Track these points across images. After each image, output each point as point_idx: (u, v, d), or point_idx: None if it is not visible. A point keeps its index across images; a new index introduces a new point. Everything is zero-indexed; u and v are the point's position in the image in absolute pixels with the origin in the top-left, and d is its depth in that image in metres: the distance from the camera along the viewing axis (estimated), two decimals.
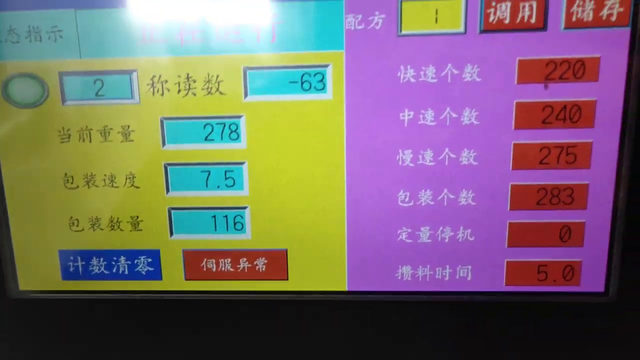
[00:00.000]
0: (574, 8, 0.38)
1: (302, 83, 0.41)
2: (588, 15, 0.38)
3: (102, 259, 0.46)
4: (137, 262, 0.46)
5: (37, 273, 0.47)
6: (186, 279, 0.46)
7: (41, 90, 0.43)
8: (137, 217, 0.45)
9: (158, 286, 0.46)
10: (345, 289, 0.45)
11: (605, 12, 0.38)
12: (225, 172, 0.43)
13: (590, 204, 0.42)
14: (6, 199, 0.45)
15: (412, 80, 0.40)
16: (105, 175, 0.44)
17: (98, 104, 0.43)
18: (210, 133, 0.42)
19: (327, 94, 0.41)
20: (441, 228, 0.43)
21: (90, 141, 0.43)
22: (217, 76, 0.41)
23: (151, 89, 0.42)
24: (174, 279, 0.46)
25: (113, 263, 0.46)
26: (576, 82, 0.39)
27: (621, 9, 0.38)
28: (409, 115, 0.41)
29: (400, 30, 0.39)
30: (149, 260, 0.46)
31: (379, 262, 0.44)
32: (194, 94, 0.42)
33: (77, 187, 0.44)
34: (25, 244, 0.46)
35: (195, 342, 0.47)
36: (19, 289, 0.47)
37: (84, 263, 0.46)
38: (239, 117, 0.42)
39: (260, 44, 0.40)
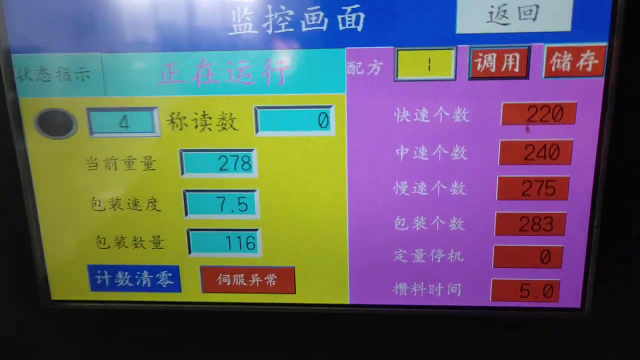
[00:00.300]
0: (553, 59, 0.41)
1: (308, 121, 0.44)
2: (566, 66, 0.41)
3: (126, 273, 0.50)
4: (159, 276, 0.50)
5: (68, 285, 0.51)
6: (203, 292, 0.50)
7: (70, 124, 0.46)
8: (159, 236, 0.49)
9: (177, 297, 0.50)
10: (347, 302, 0.49)
11: (581, 63, 0.41)
12: (239, 198, 0.47)
13: (568, 230, 0.45)
14: (39, 219, 0.49)
15: (407, 120, 0.44)
16: (129, 199, 0.48)
17: (122, 137, 0.46)
18: (224, 164, 0.46)
19: (330, 131, 0.45)
20: (434, 250, 0.47)
21: (116, 169, 0.47)
22: (231, 114, 0.45)
23: (171, 124, 0.46)
24: (192, 291, 0.50)
25: (137, 277, 0.50)
26: (555, 125, 0.43)
27: (596, 61, 0.41)
28: (404, 150, 0.45)
29: (397, 76, 0.43)
30: (169, 274, 0.50)
31: (378, 279, 0.48)
32: (210, 129, 0.45)
33: (104, 209, 0.48)
34: (57, 259, 0.50)
35: (210, 348, 0.51)
36: (51, 299, 0.51)
37: (110, 276, 0.50)
38: (251, 150, 0.46)
39: (269, 86, 0.44)
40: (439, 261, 0.47)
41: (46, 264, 0.50)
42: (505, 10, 0.41)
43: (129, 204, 0.48)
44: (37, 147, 0.47)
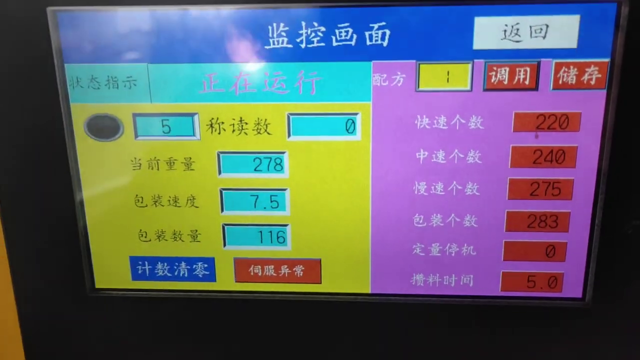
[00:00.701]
0: (561, 73, 0.45)
1: (336, 127, 0.48)
2: (572, 80, 0.45)
3: (166, 264, 0.54)
4: (195, 267, 0.53)
5: (111, 274, 0.54)
6: (236, 281, 0.53)
7: (117, 127, 0.50)
8: (196, 230, 0.52)
9: (212, 287, 0.54)
10: (369, 291, 0.52)
11: (586, 77, 0.45)
12: (271, 196, 0.50)
13: (571, 227, 0.49)
14: (86, 213, 0.52)
15: (427, 127, 0.47)
16: (169, 197, 0.51)
17: (165, 140, 0.50)
18: (258, 165, 0.50)
19: (356, 136, 0.48)
20: (449, 244, 0.50)
21: (158, 169, 0.50)
22: (266, 120, 0.48)
23: (210, 129, 0.49)
24: (226, 281, 0.53)
25: (175, 267, 0.54)
26: (561, 132, 0.46)
27: (599, 75, 0.44)
28: (424, 154, 0.48)
29: (418, 87, 0.46)
30: (205, 265, 0.53)
31: (397, 271, 0.51)
32: (246, 134, 0.49)
33: (146, 205, 0.52)
34: (101, 251, 0.53)
35: (242, 333, 0.55)
36: (95, 287, 0.55)
37: (150, 267, 0.54)
38: (283, 152, 0.49)
39: (301, 95, 0.47)
40: (453, 254, 0.51)
41: (91, 255, 0.54)
42: (518, 29, 0.45)
43: (169, 200, 0.52)
44: (86, 148, 0.50)
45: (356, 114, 0.48)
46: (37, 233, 0.53)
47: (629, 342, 0.52)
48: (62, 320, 0.56)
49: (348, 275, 0.52)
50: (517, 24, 0.44)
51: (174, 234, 0.53)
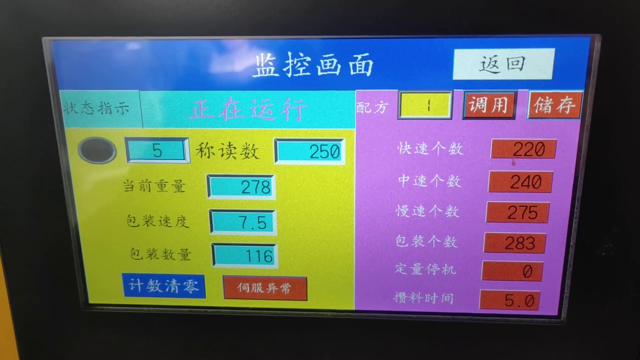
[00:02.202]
0: (537, 103, 0.46)
1: (321, 152, 0.50)
2: (548, 109, 0.47)
3: (157, 281, 0.55)
4: (186, 284, 0.55)
5: (104, 290, 0.56)
6: (225, 298, 0.55)
7: (110, 151, 0.51)
8: (187, 249, 0.54)
9: (202, 303, 0.55)
10: (353, 308, 0.54)
11: (561, 107, 0.46)
12: (258, 217, 0.52)
13: (547, 249, 0.51)
14: (80, 232, 0.54)
15: (409, 152, 0.49)
16: (160, 217, 0.53)
17: (156, 163, 0.51)
18: (246, 187, 0.51)
19: (341, 161, 0.50)
20: (430, 264, 0.52)
21: (149, 191, 0.52)
22: (254, 145, 0.50)
23: (199, 153, 0.51)
24: (215, 297, 0.55)
25: (166, 284, 0.55)
26: (537, 158, 0.48)
27: (573, 105, 0.46)
28: (405, 178, 0.50)
29: (400, 115, 0.48)
30: (195, 282, 0.55)
31: (381, 289, 0.53)
32: (234, 158, 0.50)
33: (138, 225, 0.53)
34: (95, 268, 0.55)
35: (230, 348, 0.56)
36: (88, 302, 0.56)
37: (142, 284, 0.55)
38: (270, 176, 0.51)
39: (288, 122, 0.49)
40: (434, 274, 0.53)
41: (85, 273, 0.55)
42: (496, 61, 0.46)
43: (160, 221, 0.53)
44: (80, 170, 0.52)
45: (340, 139, 0.49)
46: (33, 252, 0.55)
47: (602, 358, 0.53)
48: (58, 334, 0.58)
49: (333, 293, 0.54)
50: (495, 56, 0.46)
51: (165, 252, 0.54)
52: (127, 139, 0.51)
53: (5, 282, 0.56)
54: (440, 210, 0.51)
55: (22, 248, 0.55)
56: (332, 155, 0.50)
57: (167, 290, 0.56)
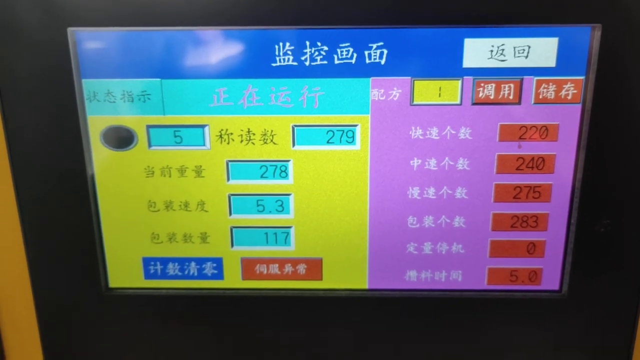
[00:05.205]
0: (541, 89, 0.49)
1: (337, 137, 0.52)
2: (551, 95, 0.49)
3: (176, 264, 0.57)
4: (204, 267, 0.57)
5: (125, 274, 0.57)
6: (243, 279, 0.57)
7: (131, 138, 0.53)
8: (206, 233, 0.56)
9: (220, 285, 0.57)
10: (366, 287, 0.56)
11: (563, 92, 0.49)
12: (276, 200, 0.54)
13: (550, 227, 0.53)
14: (101, 218, 0.55)
15: (421, 137, 0.51)
16: (181, 202, 0.55)
17: (177, 149, 0.53)
18: (265, 172, 0.53)
19: (356, 146, 0.52)
20: (440, 243, 0.55)
21: (170, 176, 0.54)
22: (272, 131, 0.52)
23: (219, 139, 0.52)
24: (233, 279, 0.57)
25: (185, 267, 0.57)
26: (542, 142, 0.51)
27: (575, 91, 0.49)
28: (417, 162, 0.52)
29: (413, 101, 0.50)
30: (214, 265, 0.57)
31: (393, 268, 0.56)
32: (253, 144, 0.52)
33: (159, 210, 0.55)
34: (116, 252, 0.56)
35: (249, 328, 0.58)
36: (109, 286, 0.58)
37: (162, 267, 0.57)
38: (288, 161, 0.53)
39: (305, 108, 0.51)
40: (443, 252, 0.55)
41: (105, 256, 0.57)
42: (503, 50, 0.49)
43: (180, 205, 0.55)
44: (102, 157, 0.53)
45: (356, 125, 0.52)
46: (56, 237, 0.56)
47: (601, 329, 0.57)
48: (79, 317, 0.59)
49: (347, 273, 0.56)
50: (503, 45, 0.49)
51: (185, 236, 0.56)
52: (148, 127, 0.53)
53: (27, 267, 0.57)
54: (450, 191, 0.53)
55: (45, 233, 0.56)
56: (347, 140, 0.52)
57: (186, 272, 0.58)
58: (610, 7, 0.47)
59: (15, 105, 0.52)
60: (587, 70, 0.49)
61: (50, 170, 0.54)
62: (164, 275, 0.58)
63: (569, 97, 0.50)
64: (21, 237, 0.56)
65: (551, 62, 0.49)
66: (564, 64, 0.49)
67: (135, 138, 0.53)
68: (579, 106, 0.50)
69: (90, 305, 0.59)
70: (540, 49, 0.49)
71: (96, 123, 0.53)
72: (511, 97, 0.50)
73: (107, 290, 0.58)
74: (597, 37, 0.48)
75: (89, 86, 0.52)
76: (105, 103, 0.52)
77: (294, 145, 0.53)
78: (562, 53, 0.48)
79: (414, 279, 0.56)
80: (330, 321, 0.58)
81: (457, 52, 0.49)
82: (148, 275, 0.58)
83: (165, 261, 0.57)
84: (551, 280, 0.56)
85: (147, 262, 0.57)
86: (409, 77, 0.50)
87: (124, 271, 0.58)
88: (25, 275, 0.57)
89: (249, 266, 0.57)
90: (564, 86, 0.49)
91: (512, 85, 0.50)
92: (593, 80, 0.49)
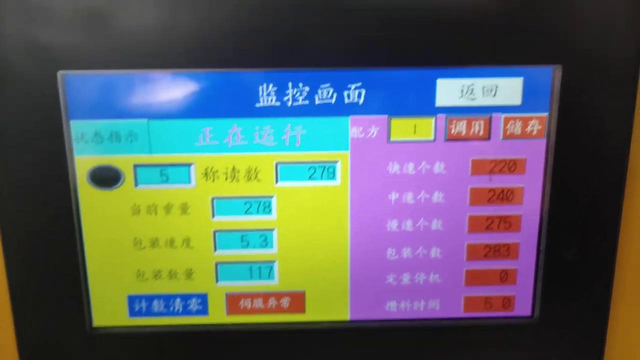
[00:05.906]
0: (509, 126, 0.52)
1: (318, 173, 0.54)
2: (518, 130, 0.52)
3: (161, 300, 0.57)
4: (189, 303, 0.57)
5: (109, 312, 0.57)
6: (227, 314, 0.58)
7: (118, 177, 0.54)
8: (191, 269, 0.56)
9: (205, 320, 0.58)
10: (348, 318, 0.57)
11: (529, 128, 0.52)
12: (260, 235, 0.56)
13: (521, 255, 0.55)
14: (86, 256, 0.55)
15: (398, 172, 0.53)
16: (166, 239, 0.55)
17: (163, 187, 0.54)
18: (249, 208, 0.55)
19: (336, 181, 0.54)
20: (417, 273, 0.56)
21: (156, 214, 0.54)
22: (256, 168, 0.53)
23: (205, 177, 0.54)
24: (217, 314, 0.57)
25: (170, 303, 0.58)
26: (510, 175, 0.53)
27: (540, 127, 0.52)
28: (395, 196, 0.54)
29: (390, 138, 0.52)
30: (199, 300, 0.57)
31: (373, 298, 0.57)
32: (238, 181, 0.54)
33: (145, 247, 0.55)
34: (101, 291, 0.56)
35: None
36: (93, 326, 0.58)
37: (147, 304, 0.57)
38: (271, 197, 0.54)
39: (288, 146, 0.53)
40: (421, 282, 0.57)
41: (90, 295, 0.57)
42: (472, 89, 0.52)
43: (166, 243, 0.56)
44: (88, 196, 0.54)
45: (336, 161, 0.53)
46: (40, 276, 0.56)
47: (571, 352, 0.59)
48: (63, 358, 0.59)
49: (329, 305, 0.57)
50: (472, 84, 0.52)
51: (170, 273, 0.57)
52: (135, 166, 0.54)
53: (10, 305, 0.57)
54: (426, 223, 0.55)
55: (29, 271, 0.56)
56: (328, 176, 0.54)
57: (171, 309, 0.58)
58: (569, 49, 0.51)
59: (2, 145, 0.53)
60: (550, 107, 0.52)
61: (36, 209, 0.54)
62: (149, 313, 0.58)
63: (534, 133, 0.52)
64: (4, 274, 0.56)
65: (517, 100, 0.52)
66: (529, 102, 0.52)
67: (122, 177, 0.54)
68: (544, 141, 0.53)
69: (74, 345, 0.59)
70: (507, 88, 0.52)
71: (83, 163, 0.54)
72: (481, 133, 0.52)
73: (91, 330, 0.58)
74: (559, 77, 0.51)
75: (77, 127, 0.53)
76: (92, 143, 0.53)
77: (277, 181, 0.54)
78: (527, 92, 0.51)
79: (394, 309, 0.58)
80: (314, 353, 0.59)
81: (430, 92, 0.52)
82: (133, 313, 0.58)
83: (150, 298, 0.58)
84: (523, 306, 0.57)
85: (132, 299, 0.58)
86: (386, 116, 0.52)
87: (108, 310, 0.58)
88: (8, 313, 0.57)
89: (233, 301, 0.58)
90: (530, 122, 0.52)
91: (482, 122, 0.52)
92: (556, 117, 0.52)
